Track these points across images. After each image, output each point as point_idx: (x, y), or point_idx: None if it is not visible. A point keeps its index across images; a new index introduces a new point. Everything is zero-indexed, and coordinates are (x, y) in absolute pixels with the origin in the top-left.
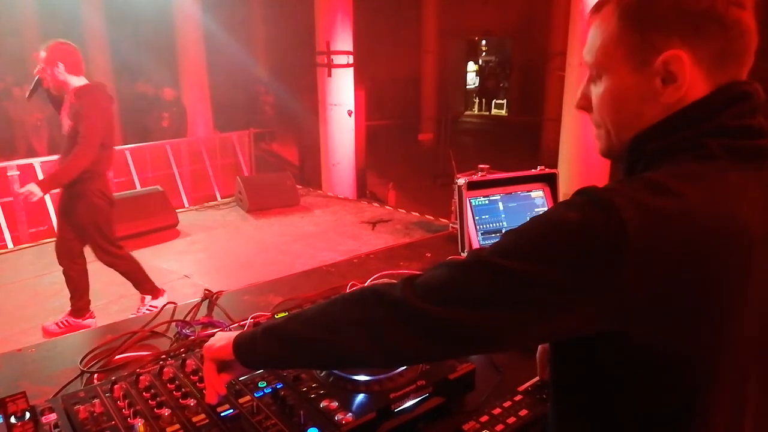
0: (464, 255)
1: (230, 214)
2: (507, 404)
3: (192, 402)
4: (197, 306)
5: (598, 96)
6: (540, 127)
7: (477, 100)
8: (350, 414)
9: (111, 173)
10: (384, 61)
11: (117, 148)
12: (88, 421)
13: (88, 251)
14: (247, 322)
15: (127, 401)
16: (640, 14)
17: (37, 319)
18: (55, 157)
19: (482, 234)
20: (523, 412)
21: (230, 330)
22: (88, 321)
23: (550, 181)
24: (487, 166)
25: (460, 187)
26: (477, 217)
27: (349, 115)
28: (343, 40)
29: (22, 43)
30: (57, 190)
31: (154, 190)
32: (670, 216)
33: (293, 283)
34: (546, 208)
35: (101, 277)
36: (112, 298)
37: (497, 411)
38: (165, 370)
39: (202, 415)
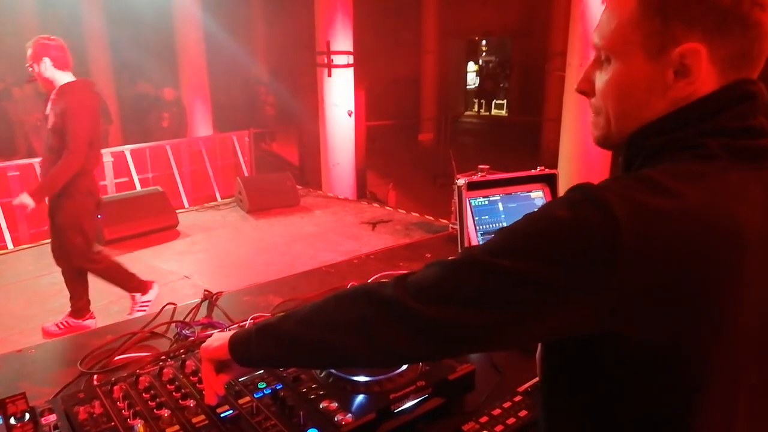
0: None
1: (230, 214)
2: (507, 405)
3: (192, 403)
4: (197, 307)
5: (604, 81)
6: (540, 128)
7: (477, 101)
8: (350, 415)
9: (111, 176)
10: (384, 61)
11: (117, 148)
12: (88, 422)
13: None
14: (247, 322)
15: (126, 402)
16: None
17: (37, 319)
18: None
19: (482, 234)
20: (523, 413)
21: (229, 331)
22: (88, 322)
23: (550, 182)
24: (487, 166)
25: (459, 187)
26: (477, 218)
27: (349, 115)
28: (343, 40)
29: (22, 43)
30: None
31: (154, 190)
32: (666, 216)
33: (293, 283)
34: None
35: None
36: (113, 299)
37: (497, 412)
38: (165, 371)
39: (202, 416)
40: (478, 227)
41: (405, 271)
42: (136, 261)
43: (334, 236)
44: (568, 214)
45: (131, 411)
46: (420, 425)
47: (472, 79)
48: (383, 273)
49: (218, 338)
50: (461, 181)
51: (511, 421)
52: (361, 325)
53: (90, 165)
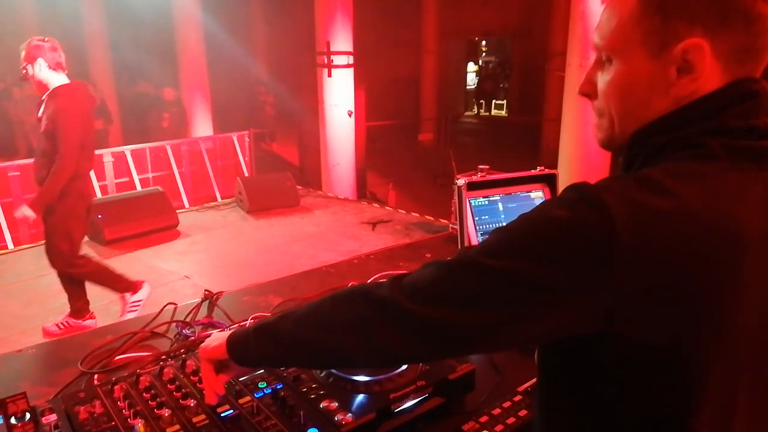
0: None
1: (230, 214)
2: (507, 405)
3: (192, 402)
4: (197, 307)
5: (605, 81)
6: (540, 128)
7: (476, 101)
8: (350, 414)
9: (111, 176)
10: (384, 61)
11: (117, 148)
12: (89, 422)
13: (84, 249)
14: (247, 322)
15: (127, 402)
16: None
17: (37, 319)
18: None
19: (482, 235)
20: (523, 413)
21: (229, 330)
22: (89, 322)
23: (549, 182)
24: (487, 166)
25: (459, 187)
26: (477, 218)
27: (349, 115)
28: (343, 40)
29: (22, 43)
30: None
31: (155, 190)
32: (664, 216)
33: (293, 283)
34: None
35: None
36: (113, 299)
37: (497, 411)
38: (165, 370)
39: (203, 416)
40: (478, 227)
41: (405, 272)
42: (136, 261)
43: (334, 236)
44: (564, 214)
45: (132, 411)
46: (420, 425)
47: (472, 80)
48: (383, 273)
49: (216, 338)
50: (461, 181)
51: (511, 420)
52: (358, 326)
53: (82, 168)
